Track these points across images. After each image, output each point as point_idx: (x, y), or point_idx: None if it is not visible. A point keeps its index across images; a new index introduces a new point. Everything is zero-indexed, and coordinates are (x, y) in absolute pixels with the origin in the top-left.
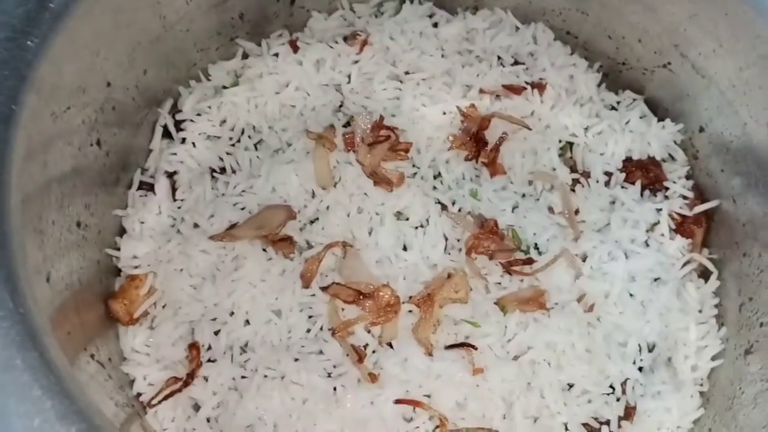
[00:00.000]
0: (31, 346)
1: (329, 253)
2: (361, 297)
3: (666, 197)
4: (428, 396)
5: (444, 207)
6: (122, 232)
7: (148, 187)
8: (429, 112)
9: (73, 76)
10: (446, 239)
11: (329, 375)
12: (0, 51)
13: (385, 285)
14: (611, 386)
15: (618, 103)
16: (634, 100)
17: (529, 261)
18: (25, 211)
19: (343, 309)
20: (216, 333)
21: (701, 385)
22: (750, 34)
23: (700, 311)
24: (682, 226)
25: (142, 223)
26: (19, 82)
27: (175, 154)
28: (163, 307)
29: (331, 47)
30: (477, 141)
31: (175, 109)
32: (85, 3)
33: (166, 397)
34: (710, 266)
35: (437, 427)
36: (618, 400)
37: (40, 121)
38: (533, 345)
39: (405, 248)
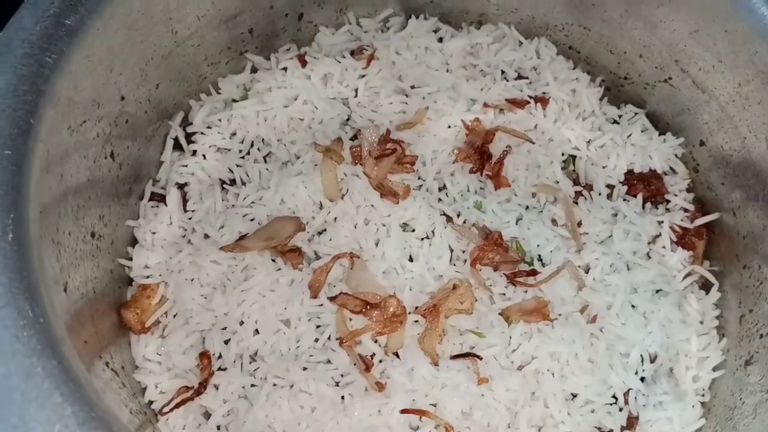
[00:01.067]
0: (51, 355)
1: (337, 264)
2: (368, 307)
3: (667, 210)
4: (434, 405)
5: (449, 219)
6: (134, 242)
7: (160, 199)
8: (434, 126)
9: (89, 91)
10: (451, 250)
11: (337, 384)
12: (19, 67)
13: (392, 295)
14: (614, 396)
15: (620, 116)
16: (636, 114)
17: (533, 272)
18: (43, 222)
19: (350, 319)
20: (226, 342)
21: (702, 395)
22: (748, 51)
23: (701, 322)
24: (683, 239)
25: (154, 233)
26: (37, 97)
27: (186, 166)
28: (174, 316)
29: (339, 62)
30: (481, 154)
31: (185, 122)
32: (101, 20)
33: (177, 405)
34: (711, 278)
35: None
36: (621, 410)
37: (57, 135)
38: (537, 355)
39: (411, 259)
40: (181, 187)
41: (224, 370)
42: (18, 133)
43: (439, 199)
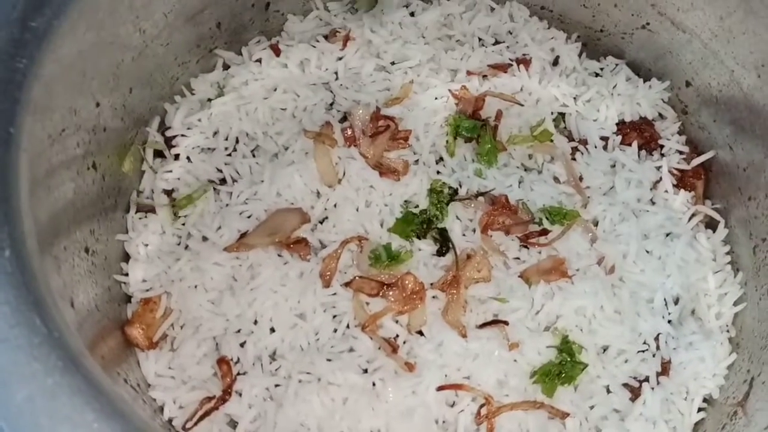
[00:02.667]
0: (75, 370)
1: (345, 250)
2: (385, 288)
3: (662, 155)
4: (467, 378)
5: (452, 189)
6: (128, 257)
7: (147, 209)
8: (421, 99)
9: (64, 97)
10: (459, 221)
11: (365, 371)
12: None
13: (407, 273)
14: (645, 343)
15: (602, 69)
16: (617, 65)
17: (545, 232)
18: (39, 236)
19: (367, 303)
20: (242, 345)
21: (728, 331)
22: None
23: (714, 260)
24: (682, 181)
25: (146, 245)
26: (13, 105)
27: (170, 171)
28: (182, 326)
29: (314, 46)
30: (475, 120)
31: (163, 127)
32: (68, 20)
33: (201, 418)
34: (716, 215)
35: (482, 405)
36: (653, 356)
37: (38, 144)
38: (562, 313)
39: (419, 236)
40: (168, 193)
41: (244, 374)
42: None
43: (438, 172)
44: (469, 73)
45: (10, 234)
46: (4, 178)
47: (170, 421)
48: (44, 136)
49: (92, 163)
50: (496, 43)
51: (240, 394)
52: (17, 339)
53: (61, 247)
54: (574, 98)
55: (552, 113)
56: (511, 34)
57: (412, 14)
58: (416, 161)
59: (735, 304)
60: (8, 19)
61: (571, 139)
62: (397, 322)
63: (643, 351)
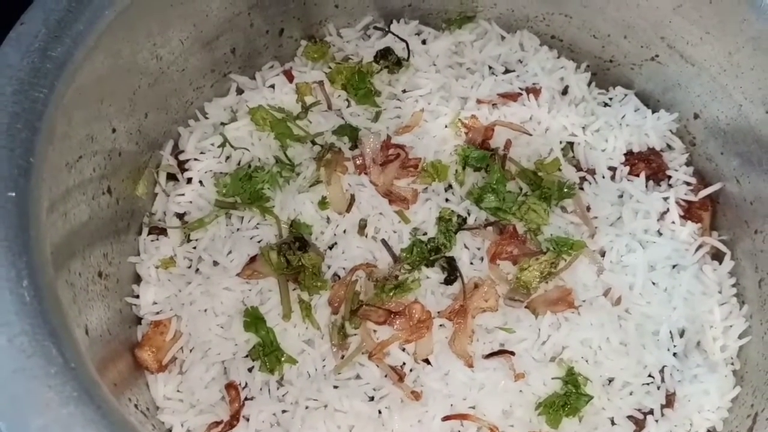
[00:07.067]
0: (90, 401)
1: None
2: (393, 316)
3: (670, 185)
4: (473, 407)
5: (461, 218)
6: (139, 279)
7: (159, 231)
8: (431, 126)
9: (82, 125)
10: (467, 249)
11: (371, 399)
12: (10, 105)
13: (415, 302)
14: (650, 375)
15: (610, 99)
16: (626, 95)
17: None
18: (55, 263)
19: (375, 331)
20: (249, 370)
21: (732, 363)
22: (736, 19)
23: (720, 292)
24: (689, 212)
25: (158, 267)
26: (33, 134)
27: (183, 194)
28: (191, 350)
29: (326, 72)
30: (484, 150)
31: (176, 150)
32: (87, 49)
33: None
34: (722, 247)
35: None
36: (658, 388)
37: (57, 172)
38: (568, 344)
39: (427, 264)
40: (180, 216)
41: (251, 399)
42: (19, 173)
43: (447, 200)
44: (479, 101)
45: (28, 263)
46: (23, 207)
47: None
48: (62, 164)
49: (107, 188)
50: (507, 71)
51: (247, 419)
52: (33, 369)
53: (75, 272)
54: (583, 128)
55: (560, 143)
56: (521, 62)
57: (423, 42)
58: (425, 189)
59: (740, 337)
60: (29, 48)
61: (579, 168)
62: (404, 350)
63: (648, 383)
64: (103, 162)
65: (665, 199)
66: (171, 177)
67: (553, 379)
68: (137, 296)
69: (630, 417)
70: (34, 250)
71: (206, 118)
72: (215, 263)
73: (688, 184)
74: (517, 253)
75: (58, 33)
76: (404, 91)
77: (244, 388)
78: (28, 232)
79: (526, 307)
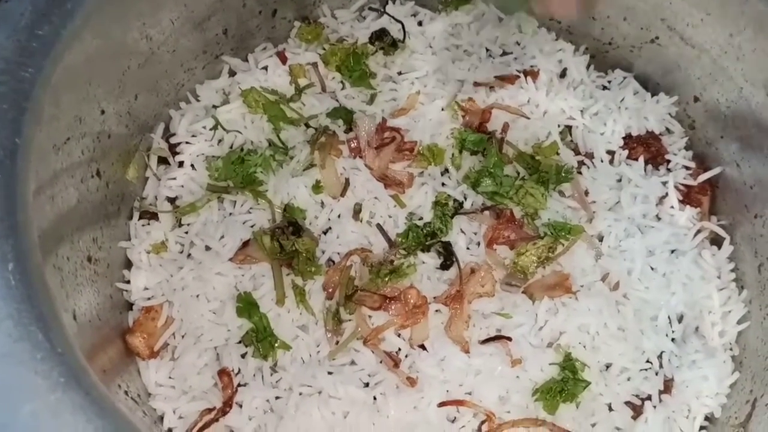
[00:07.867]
0: (78, 387)
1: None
2: (388, 301)
3: (668, 170)
4: (469, 393)
5: (457, 202)
6: (130, 264)
7: (150, 216)
8: (428, 109)
9: (70, 106)
10: (464, 234)
11: (366, 385)
12: None
13: (410, 287)
14: (648, 361)
15: (609, 82)
16: (625, 78)
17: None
18: (42, 248)
19: (370, 316)
20: (243, 356)
21: (731, 349)
22: (738, 1)
23: (719, 277)
24: (688, 196)
25: (149, 252)
26: (19, 115)
27: (174, 178)
28: (183, 336)
29: (320, 54)
30: (481, 133)
31: (168, 133)
32: (74, 28)
33: (201, 429)
34: (721, 232)
35: (483, 422)
36: (656, 374)
37: (44, 154)
38: (565, 330)
39: (423, 249)
40: (171, 200)
41: (245, 385)
42: (5, 155)
43: (443, 184)
44: (476, 84)
45: (15, 247)
46: (10, 190)
47: (170, 431)
48: (49, 146)
49: (96, 171)
50: (504, 54)
51: (240, 406)
52: (20, 354)
53: (63, 257)
54: (581, 111)
55: (558, 126)
56: (519, 45)
57: (419, 24)
58: (421, 173)
59: (739, 322)
60: (16, 27)
61: (577, 152)
62: (399, 335)
63: (646, 369)
64: (92, 144)
65: (664, 183)
66: (162, 160)
67: (550, 364)
68: (128, 281)
69: (627, 403)
70: (20, 234)
71: (198, 100)
72: (207, 248)
73: (687, 168)
74: (514, 238)
75: (46, 11)
76: (400, 74)
77: (237, 374)
78: (14, 215)
79: (523, 292)
